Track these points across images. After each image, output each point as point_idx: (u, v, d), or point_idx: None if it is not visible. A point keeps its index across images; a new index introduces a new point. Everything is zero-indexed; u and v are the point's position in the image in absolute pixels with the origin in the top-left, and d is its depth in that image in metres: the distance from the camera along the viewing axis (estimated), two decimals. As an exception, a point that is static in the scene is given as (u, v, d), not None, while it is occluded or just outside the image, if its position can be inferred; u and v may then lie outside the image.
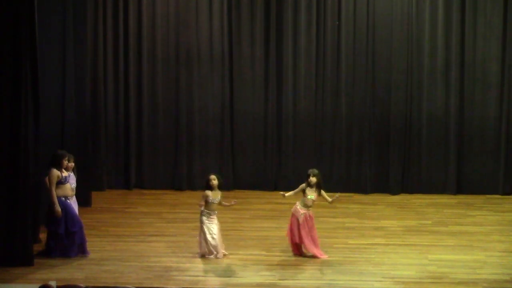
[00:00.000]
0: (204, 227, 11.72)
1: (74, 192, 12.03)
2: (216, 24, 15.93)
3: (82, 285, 9.37)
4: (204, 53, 15.99)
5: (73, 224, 11.69)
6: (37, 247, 11.82)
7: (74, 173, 12.08)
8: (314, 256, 11.75)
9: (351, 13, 15.79)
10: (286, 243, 12.12)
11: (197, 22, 15.94)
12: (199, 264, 11.51)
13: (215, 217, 11.78)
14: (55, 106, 13.76)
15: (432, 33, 15.72)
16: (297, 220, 11.77)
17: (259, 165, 16.13)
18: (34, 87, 11.48)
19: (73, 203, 11.97)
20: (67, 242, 11.66)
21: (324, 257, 11.75)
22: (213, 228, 11.72)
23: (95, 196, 14.88)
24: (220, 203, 11.79)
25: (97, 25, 15.82)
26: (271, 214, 14.28)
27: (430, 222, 13.92)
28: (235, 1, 15.91)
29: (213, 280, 10.86)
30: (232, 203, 11.74)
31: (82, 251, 11.78)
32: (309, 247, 11.79)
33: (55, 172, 11.66)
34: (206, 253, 11.72)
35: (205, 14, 15.93)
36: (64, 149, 12.47)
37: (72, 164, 12.01)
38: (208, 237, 11.69)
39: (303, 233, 11.77)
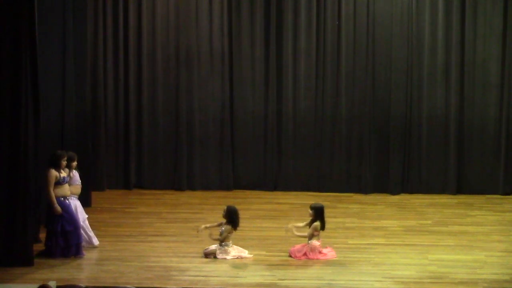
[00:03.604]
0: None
1: (79, 190, 12.08)
2: (216, 24, 15.93)
3: (82, 285, 9.38)
4: (204, 53, 15.99)
5: (68, 224, 11.69)
6: (37, 247, 11.82)
7: (77, 170, 12.10)
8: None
9: (351, 13, 15.79)
10: (286, 243, 12.11)
11: (197, 22, 15.94)
12: (199, 264, 11.51)
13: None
14: (55, 106, 13.75)
15: (432, 33, 15.72)
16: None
17: (259, 165, 16.13)
18: (34, 87, 11.48)
19: (77, 202, 11.99)
20: (63, 241, 11.66)
21: (331, 256, 11.82)
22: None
23: (95, 196, 14.87)
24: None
25: (97, 25, 15.83)
26: (271, 214, 14.29)
27: (430, 222, 13.92)
28: (235, 1, 15.91)
29: (213, 280, 10.85)
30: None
31: (77, 251, 11.77)
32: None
33: (53, 172, 11.66)
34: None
35: (205, 14, 15.93)
36: (64, 149, 12.47)
37: (75, 163, 12.03)
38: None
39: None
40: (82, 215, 12.04)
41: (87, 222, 12.17)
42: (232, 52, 16.01)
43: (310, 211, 12.00)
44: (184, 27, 15.96)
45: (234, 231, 11.93)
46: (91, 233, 12.19)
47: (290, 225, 12.09)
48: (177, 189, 16.10)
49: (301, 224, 12.07)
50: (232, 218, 11.91)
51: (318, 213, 11.95)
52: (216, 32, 15.95)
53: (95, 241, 12.18)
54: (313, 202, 12.31)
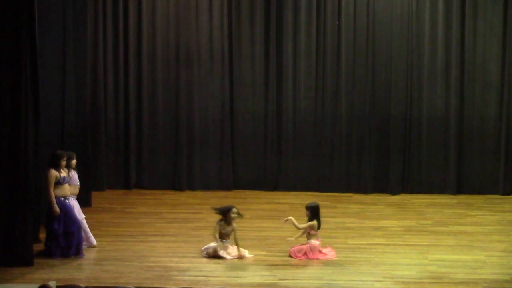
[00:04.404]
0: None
1: (78, 190, 12.08)
2: (216, 24, 15.93)
3: (82, 285, 9.36)
4: (204, 53, 16.00)
5: (71, 225, 11.70)
6: (37, 247, 11.82)
7: (75, 170, 12.10)
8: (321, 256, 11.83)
9: (351, 13, 15.79)
10: (286, 243, 12.12)
11: (197, 22, 15.95)
12: (199, 264, 11.51)
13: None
14: (55, 106, 13.75)
15: (432, 33, 15.72)
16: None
17: (259, 165, 16.13)
18: (34, 87, 11.48)
19: (75, 202, 11.99)
20: (65, 242, 11.67)
21: (331, 256, 11.81)
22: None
23: (95, 196, 14.88)
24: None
25: (97, 25, 15.83)
26: (271, 214, 14.29)
27: (430, 222, 13.92)
28: (235, 1, 15.91)
29: (213, 280, 10.85)
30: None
31: (78, 252, 11.77)
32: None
33: (53, 172, 11.65)
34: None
35: (205, 14, 15.93)
36: (64, 149, 12.47)
37: (74, 162, 12.03)
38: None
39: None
40: (79, 215, 12.03)
41: (84, 222, 12.16)
42: (232, 52, 16.01)
43: (307, 211, 12.00)
44: (184, 27, 15.96)
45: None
46: (89, 233, 12.19)
47: (289, 218, 12.02)
48: (177, 189, 16.10)
49: (298, 224, 12.06)
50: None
51: (314, 213, 11.95)
52: (216, 32, 15.95)
53: (93, 241, 12.18)
54: (308, 202, 12.29)
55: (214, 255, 11.73)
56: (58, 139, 13.75)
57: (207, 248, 11.84)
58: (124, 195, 15.77)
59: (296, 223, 11.92)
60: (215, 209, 12.06)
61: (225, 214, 11.94)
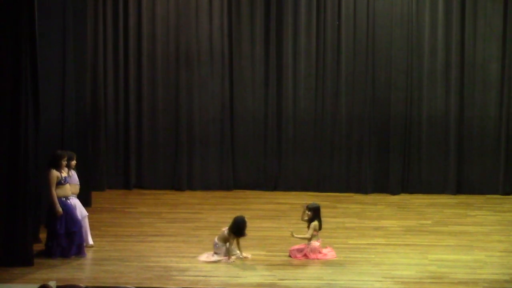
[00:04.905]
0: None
1: (78, 190, 12.08)
2: (216, 24, 15.93)
3: (82, 285, 9.37)
4: (204, 53, 16.00)
5: (72, 225, 11.71)
6: (37, 247, 11.82)
7: (75, 170, 12.10)
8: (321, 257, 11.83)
9: (351, 13, 15.79)
10: (286, 243, 12.12)
11: (197, 22, 15.95)
12: (199, 264, 11.51)
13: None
14: (55, 106, 13.74)
15: (432, 33, 15.73)
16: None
17: (259, 165, 16.13)
18: (34, 87, 11.48)
19: (76, 201, 11.98)
20: (66, 242, 11.68)
21: (331, 256, 11.81)
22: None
23: (95, 196, 14.87)
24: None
25: (97, 25, 15.83)
26: (271, 214, 14.29)
27: (430, 222, 13.93)
28: (235, 1, 15.91)
29: (213, 280, 10.85)
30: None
31: (79, 251, 11.77)
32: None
33: (55, 172, 11.66)
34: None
35: (205, 14, 15.93)
36: (64, 149, 12.47)
37: (74, 162, 12.03)
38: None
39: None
40: (81, 213, 12.02)
41: (86, 220, 12.15)
42: (232, 52, 16.01)
43: (308, 212, 11.99)
44: (184, 27, 15.96)
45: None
46: (88, 232, 12.17)
47: (294, 237, 12.01)
48: (177, 189, 16.10)
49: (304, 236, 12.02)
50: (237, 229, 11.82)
51: (316, 213, 11.96)
52: (216, 32, 15.95)
53: (90, 241, 12.17)
54: (310, 203, 12.27)
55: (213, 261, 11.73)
56: (58, 139, 13.74)
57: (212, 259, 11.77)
58: (124, 195, 15.77)
59: (302, 236, 11.90)
60: (235, 232, 11.80)
61: (241, 234, 11.85)
